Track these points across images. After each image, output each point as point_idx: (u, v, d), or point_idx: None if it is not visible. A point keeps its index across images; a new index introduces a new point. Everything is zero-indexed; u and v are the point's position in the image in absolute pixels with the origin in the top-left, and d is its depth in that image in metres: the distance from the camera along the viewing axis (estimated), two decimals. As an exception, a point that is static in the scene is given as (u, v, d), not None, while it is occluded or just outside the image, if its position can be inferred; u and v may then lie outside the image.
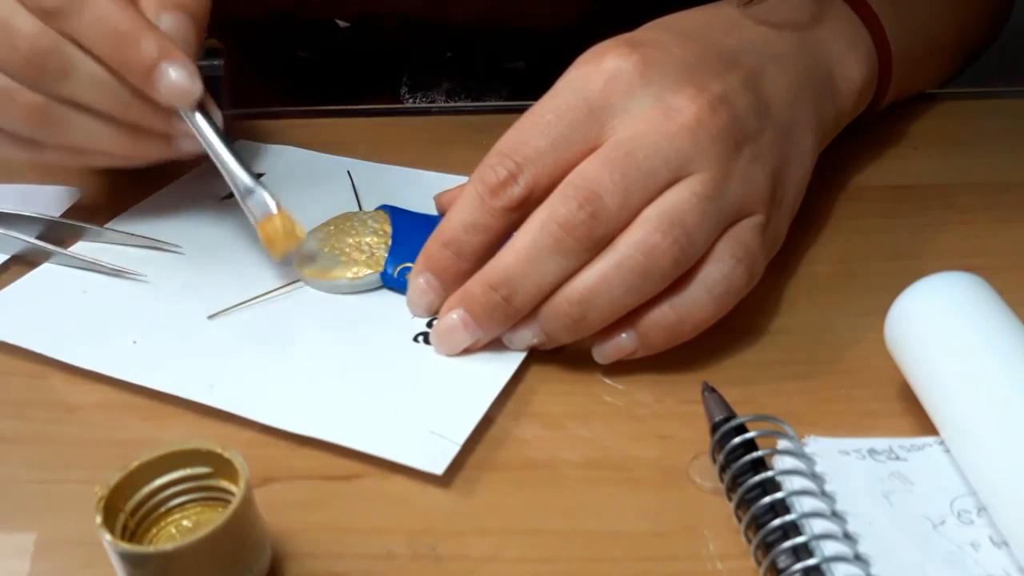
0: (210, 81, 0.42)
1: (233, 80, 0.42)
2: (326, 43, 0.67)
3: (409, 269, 0.40)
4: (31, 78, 0.40)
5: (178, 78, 0.40)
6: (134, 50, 0.39)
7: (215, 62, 0.52)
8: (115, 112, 0.41)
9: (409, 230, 0.43)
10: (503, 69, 0.46)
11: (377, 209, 0.45)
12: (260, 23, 0.65)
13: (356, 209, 0.47)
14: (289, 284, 0.42)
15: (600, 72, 0.36)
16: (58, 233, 0.45)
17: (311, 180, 0.50)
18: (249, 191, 0.41)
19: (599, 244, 0.35)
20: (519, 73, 0.64)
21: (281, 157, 0.53)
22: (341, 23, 0.64)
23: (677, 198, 0.35)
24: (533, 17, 0.45)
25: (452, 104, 0.62)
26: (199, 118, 0.41)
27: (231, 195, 0.49)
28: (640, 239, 0.34)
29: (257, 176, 0.45)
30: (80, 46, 0.39)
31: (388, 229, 0.43)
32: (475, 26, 0.61)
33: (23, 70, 0.40)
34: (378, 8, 0.62)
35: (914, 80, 0.53)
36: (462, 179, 0.47)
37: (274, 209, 0.41)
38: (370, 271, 0.41)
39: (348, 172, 0.49)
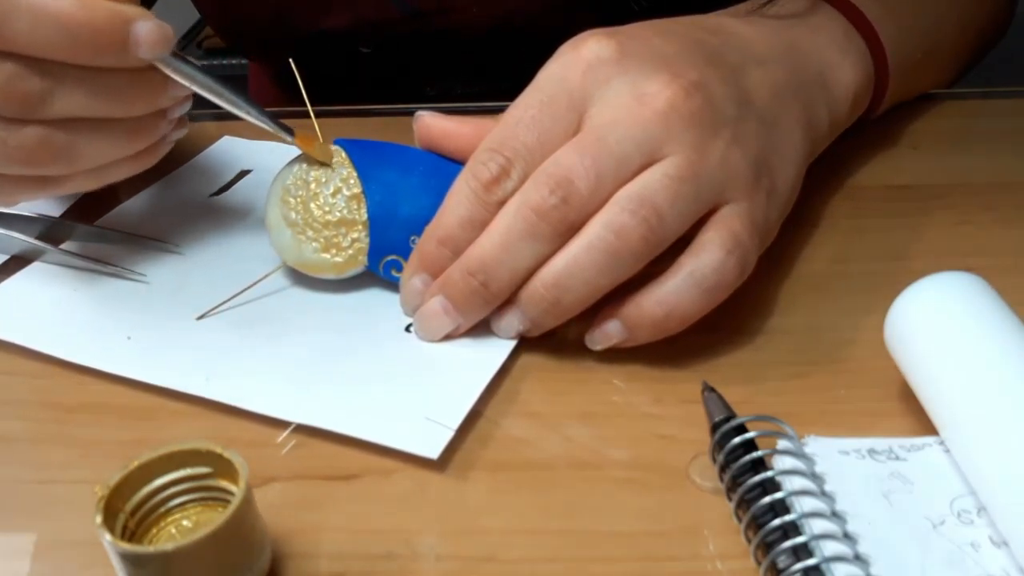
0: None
1: (257, 96, 0.41)
2: (349, 66, 0.68)
3: (394, 263, 0.40)
4: (14, 111, 0.36)
5: (148, 29, 0.35)
6: (96, 35, 0.35)
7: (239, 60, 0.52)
8: (115, 111, 0.38)
9: (375, 164, 0.41)
10: (519, 78, 0.47)
11: (333, 145, 0.42)
12: (285, 48, 0.67)
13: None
14: (271, 272, 0.41)
15: (579, 61, 0.37)
16: (58, 232, 0.45)
17: None
18: (266, 123, 0.40)
19: (572, 228, 0.35)
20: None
21: (267, 152, 0.53)
22: (363, 50, 0.66)
23: (648, 179, 0.35)
24: (546, 29, 0.45)
25: (470, 104, 0.62)
26: (185, 65, 0.37)
27: (219, 191, 0.49)
28: (609, 220, 0.35)
29: (245, 172, 0.44)
30: (35, 57, 0.35)
31: (352, 171, 0.41)
32: (488, 36, 0.62)
33: (4, 105, 0.35)
34: (400, 31, 0.63)
35: (913, 83, 0.53)
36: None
37: (290, 141, 0.40)
38: (353, 269, 0.41)
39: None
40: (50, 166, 0.38)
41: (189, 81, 0.38)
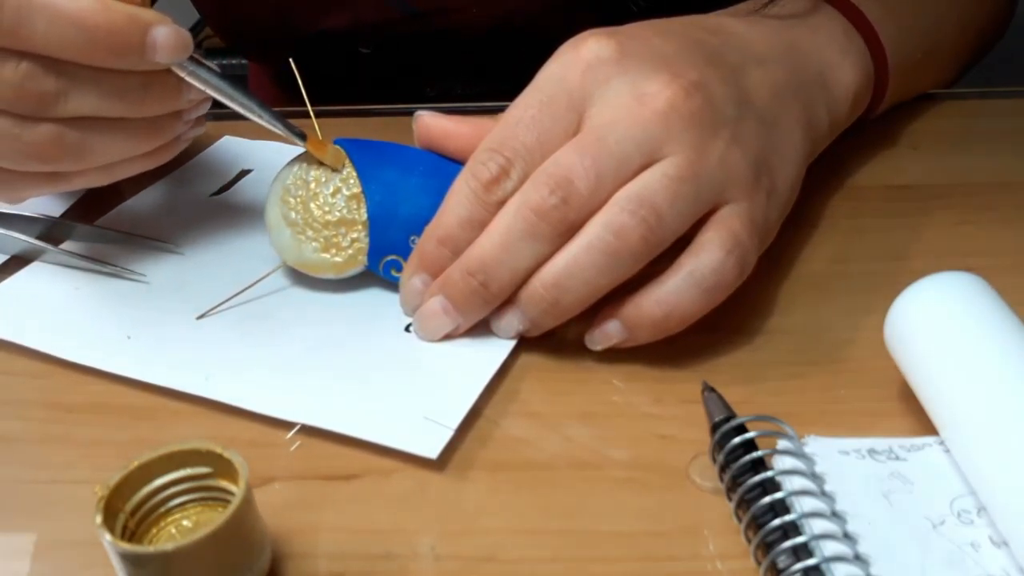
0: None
1: (257, 96, 0.41)
2: (349, 66, 0.68)
3: (394, 263, 0.40)
4: (29, 109, 0.36)
5: (166, 34, 0.36)
6: (113, 38, 0.35)
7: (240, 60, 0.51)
8: (129, 112, 0.38)
9: (375, 164, 0.41)
10: (519, 78, 0.47)
11: (334, 144, 0.42)
12: (285, 49, 0.67)
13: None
14: (271, 272, 0.42)
15: (579, 61, 0.37)
16: (58, 232, 0.45)
17: None
18: (278, 127, 0.40)
19: (572, 229, 0.35)
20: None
21: (268, 152, 0.53)
22: (363, 50, 0.66)
23: (647, 179, 0.35)
24: (546, 29, 0.46)
25: (470, 104, 0.63)
26: (201, 70, 0.38)
27: (220, 191, 0.50)
28: (608, 220, 0.35)
29: (245, 171, 0.43)
30: (55, 58, 0.35)
31: (352, 171, 0.41)
32: (488, 36, 0.62)
33: (19, 103, 0.36)
34: (400, 31, 0.63)
35: (913, 83, 0.53)
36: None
37: (301, 145, 0.40)
38: (353, 269, 0.41)
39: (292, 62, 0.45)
40: (61, 163, 0.38)
41: (204, 85, 0.38)
